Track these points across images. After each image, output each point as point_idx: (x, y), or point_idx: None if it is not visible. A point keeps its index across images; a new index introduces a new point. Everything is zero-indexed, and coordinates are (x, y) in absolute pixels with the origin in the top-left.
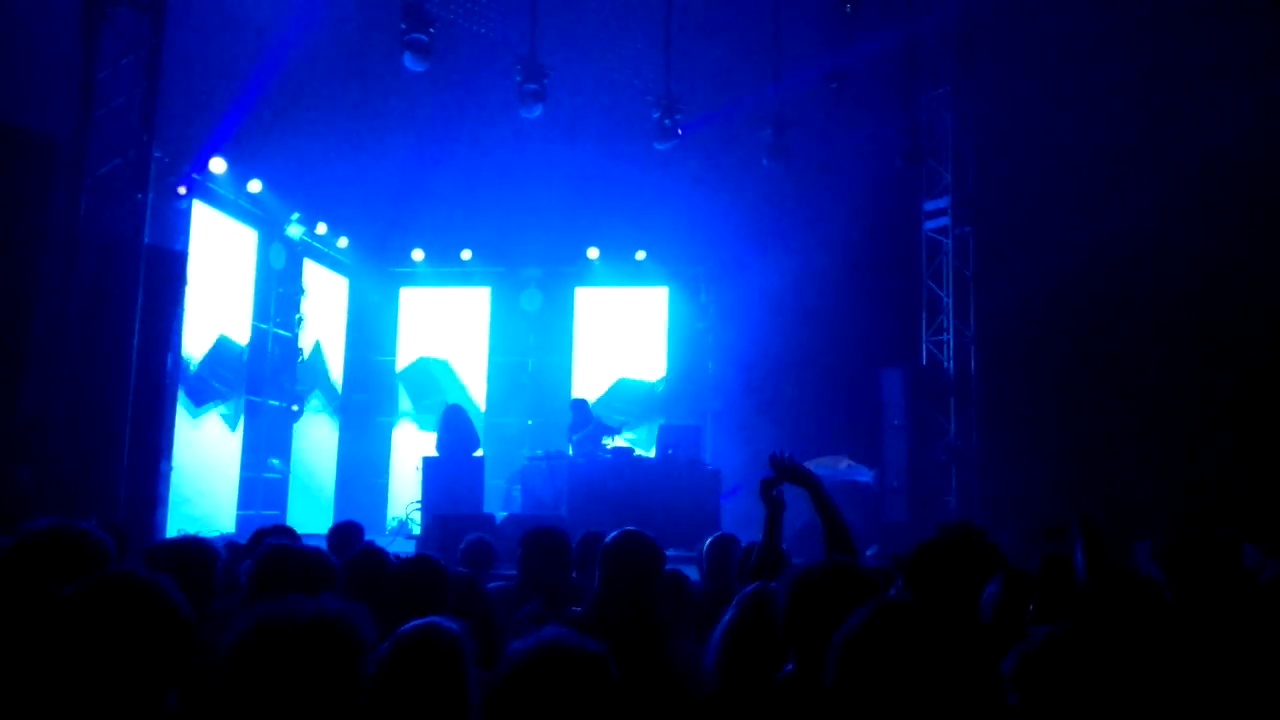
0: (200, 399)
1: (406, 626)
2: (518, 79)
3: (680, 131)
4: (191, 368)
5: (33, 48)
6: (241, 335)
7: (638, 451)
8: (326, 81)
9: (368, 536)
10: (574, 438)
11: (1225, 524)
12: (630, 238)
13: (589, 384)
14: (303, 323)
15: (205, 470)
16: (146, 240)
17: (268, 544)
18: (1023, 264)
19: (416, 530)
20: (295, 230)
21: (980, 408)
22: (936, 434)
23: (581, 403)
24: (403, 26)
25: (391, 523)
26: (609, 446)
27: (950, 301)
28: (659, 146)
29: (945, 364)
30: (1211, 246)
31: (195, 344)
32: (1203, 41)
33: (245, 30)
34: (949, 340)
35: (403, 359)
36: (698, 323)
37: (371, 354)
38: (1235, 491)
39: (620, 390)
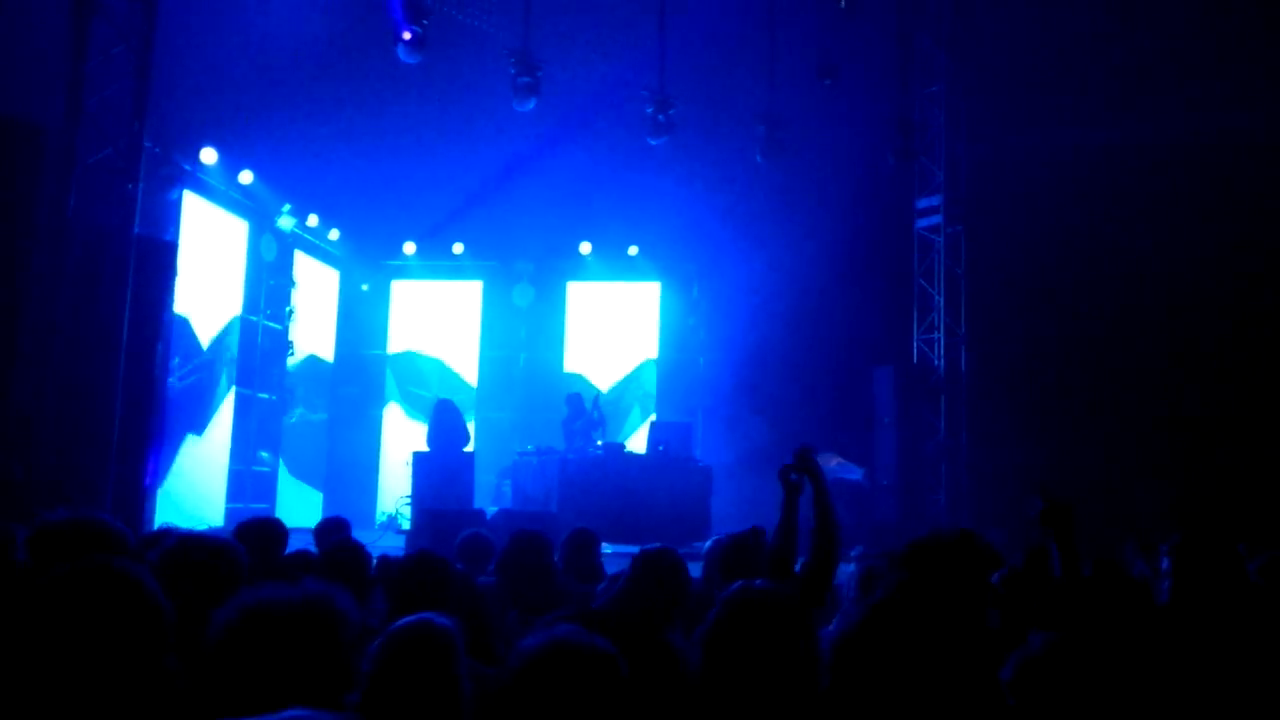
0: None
1: (399, 622)
2: (511, 73)
3: (673, 127)
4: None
5: (23, 36)
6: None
7: (629, 448)
8: (320, 73)
9: (357, 531)
10: (574, 426)
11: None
12: (622, 233)
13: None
14: (293, 315)
15: (194, 463)
16: (137, 230)
17: (174, 535)
18: (1014, 263)
19: (406, 525)
20: (286, 222)
21: (970, 406)
22: (927, 432)
23: (577, 396)
24: (397, 19)
25: (381, 517)
26: (599, 442)
27: (941, 300)
28: (652, 142)
29: (936, 362)
30: (1203, 245)
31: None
32: (1196, 40)
33: (238, 21)
34: (940, 339)
35: (393, 351)
36: (689, 318)
37: (362, 347)
38: (1225, 490)
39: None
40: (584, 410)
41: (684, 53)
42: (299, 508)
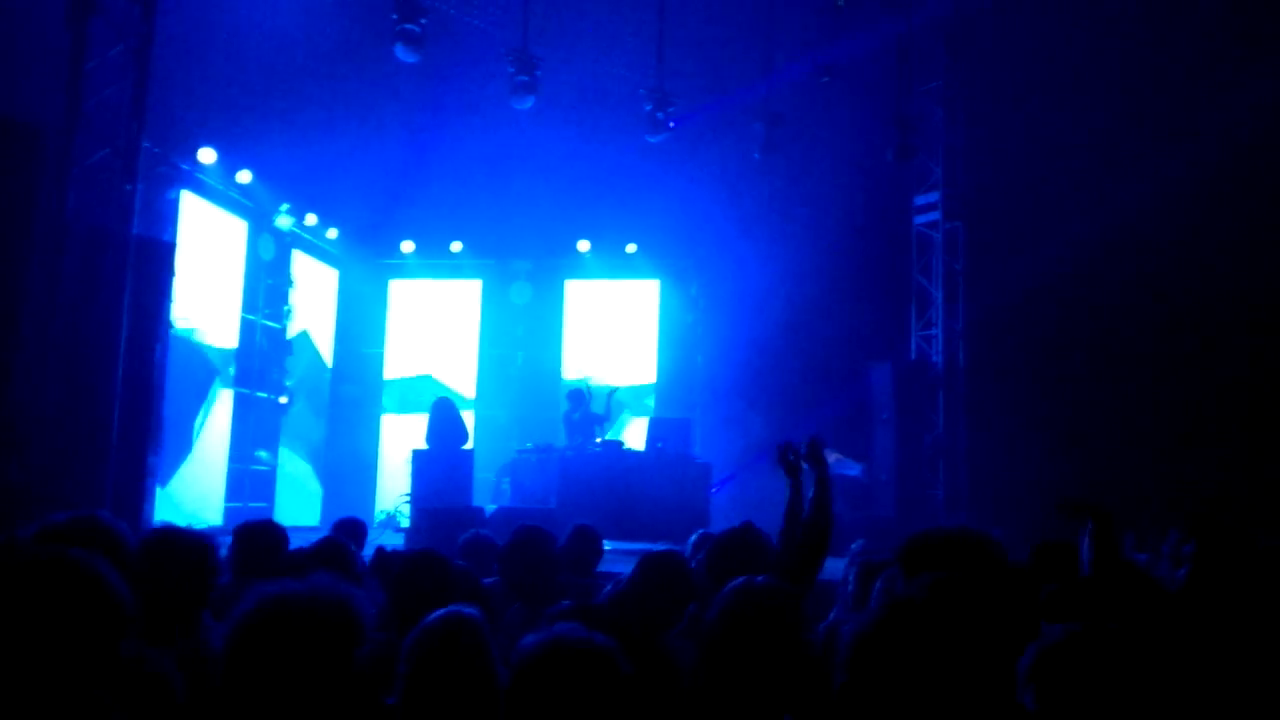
0: None
1: (432, 616)
2: (509, 70)
3: (672, 125)
4: None
5: (21, 37)
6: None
7: (627, 445)
8: (318, 72)
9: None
10: (574, 419)
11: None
12: (621, 231)
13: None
14: (291, 314)
15: (193, 463)
16: (135, 231)
17: (154, 529)
18: (1012, 259)
19: (405, 523)
20: (285, 221)
21: (969, 402)
22: (925, 428)
23: (578, 391)
24: (394, 17)
25: (380, 515)
26: (599, 439)
27: (940, 296)
28: (650, 139)
29: (934, 358)
30: (1202, 241)
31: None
32: (1195, 37)
33: (236, 20)
34: (938, 334)
35: (392, 351)
36: (688, 316)
37: (360, 346)
38: (1224, 484)
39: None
40: (585, 403)
41: (682, 50)
42: (298, 507)
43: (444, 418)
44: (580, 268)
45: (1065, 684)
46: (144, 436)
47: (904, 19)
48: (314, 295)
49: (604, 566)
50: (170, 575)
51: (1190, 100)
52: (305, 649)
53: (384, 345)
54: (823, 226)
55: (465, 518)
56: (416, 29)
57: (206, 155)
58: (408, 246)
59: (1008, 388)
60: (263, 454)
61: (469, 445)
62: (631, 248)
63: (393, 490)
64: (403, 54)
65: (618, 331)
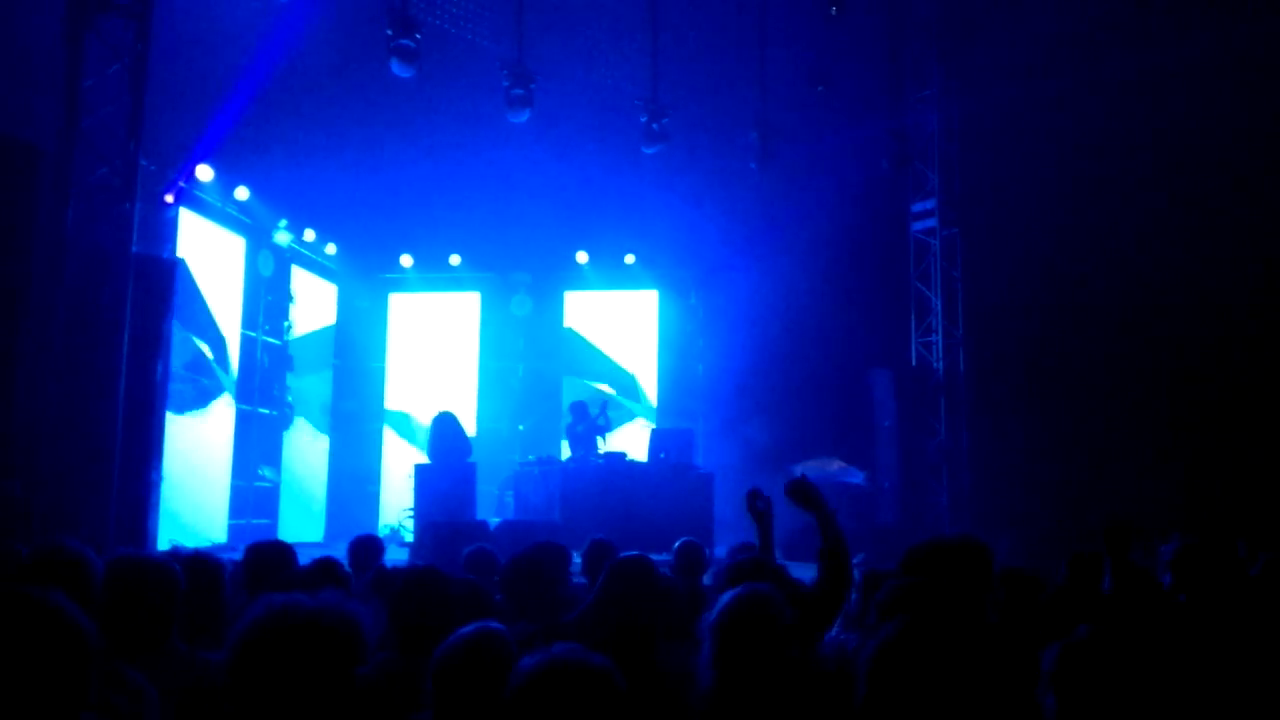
0: None
1: (460, 633)
2: (505, 84)
3: (667, 136)
4: None
5: (17, 57)
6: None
7: (630, 456)
8: (313, 88)
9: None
10: (577, 431)
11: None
12: (619, 241)
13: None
14: (291, 330)
15: (196, 479)
16: (134, 249)
17: (118, 553)
18: (1011, 265)
19: (409, 538)
20: (283, 237)
21: (970, 407)
22: (927, 435)
23: (581, 404)
24: (389, 33)
25: (384, 530)
26: (601, 450)
27: (939, 303)
28: (646, 150)
29: (935, 365)
30: (1199, 246)
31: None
32: (1189, 41)
33: (232, 37)
34: (938, 341)
35: (393, 366)
36: (687, 326)
37: (361, 360)
38: (1225, 489)
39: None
40: (588, 415)
41: (677, 61)
42: (301, 523)
43: (446, 432)
44: (579, 279)
45: (1085, 683)
46: (146, 453)
47: (898, 27)
48: (314, 310)
49: None
50: (136, 600)
51: (1188, 103)
52: (303, 660)
53: (385, 359)
54: (820, 235)
55: (469, 531)
56: (411, 44)
57: (204, 172)
58: (406, 260)
59: (1009, 393)
60: (265, 470)
61: (471, 458)
62: (630, 258)
63: (396, 505)
64: (398, 69)
65: (618, 341)
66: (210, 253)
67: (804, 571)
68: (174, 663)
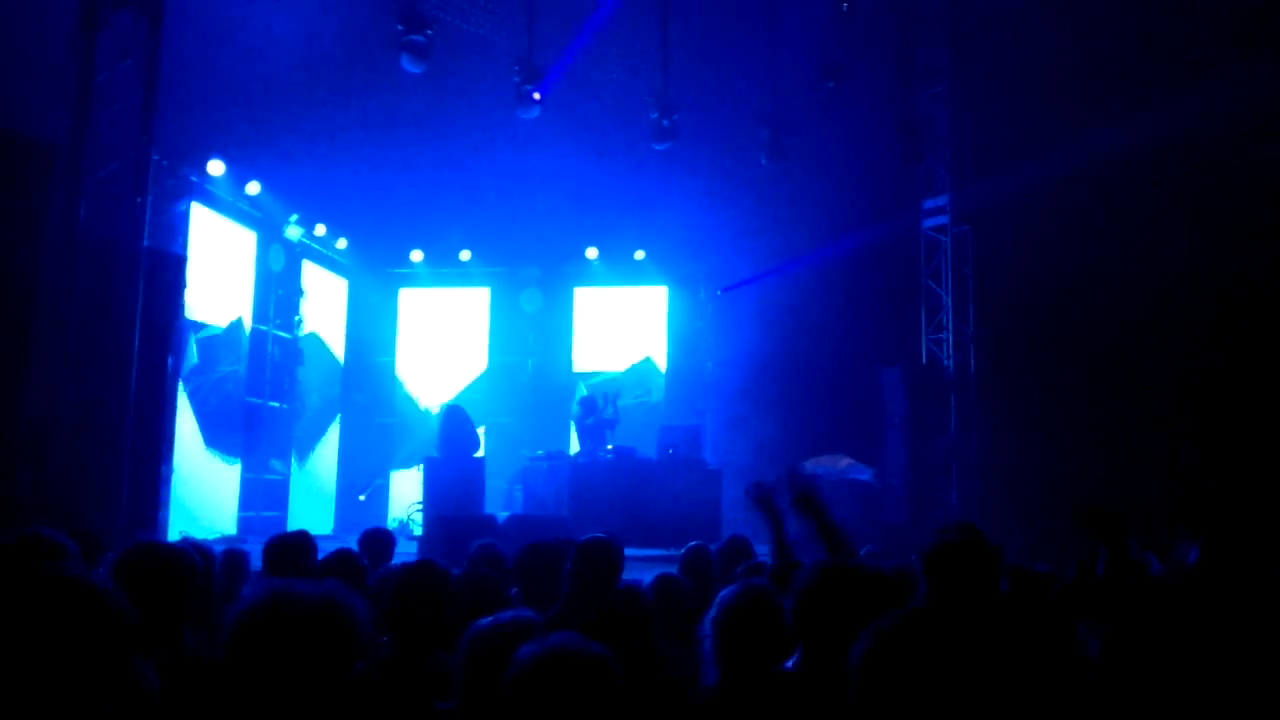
0: None
1: (491, 619)
2: (515, 80)
3: (677, 132)
4: None
5: (31, 53)
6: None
7: (639, 452)
8: (324, 82)
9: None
10: (586, 423)
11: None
12: (629, 237)
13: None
14: (302, 324)
15: (207, 472)
16: (146, 243)
17: (134, 540)
18: (1022, 261)
19: (418, 531)
20: (294, 232)
21: (980, 406)
22: (937, 432)
23: (590, 399)
24: (400, 28)
25: (393, 523)
26: (610, 446)
27: (949, 300)
28: (657, 147)
29: (945, 362)
30: (1210, 243)
31: None
32: (1200, 37)
33: (243, 32)
34: (949, 338)
35: (403, 359)
36: (697, 322)
37: (371, 355)
38: (1236, 486)
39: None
40: (597, 409)
41: (687, 57)
42: (311, 515)
43: (455, 425)
44: (589, 275)
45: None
46: (157, 446)
47: (908, 22)
48: (324, 305)
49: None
50: (147, 588)
51: (1199, 99)
52: (297, 645)
53: (395, 353)
54: (831, 231)
55: (477, 526)
56: (422, 39)
57: (215, 167)
58: (417, 255)
59: (1020, 390)
60: (275, 463)
61: (480, 453)
62: (640, 254)
63: (405, 498)
64: (409, 64)
65: (627, 337)
66: (222, 247)
67: None
68: (184, 657)
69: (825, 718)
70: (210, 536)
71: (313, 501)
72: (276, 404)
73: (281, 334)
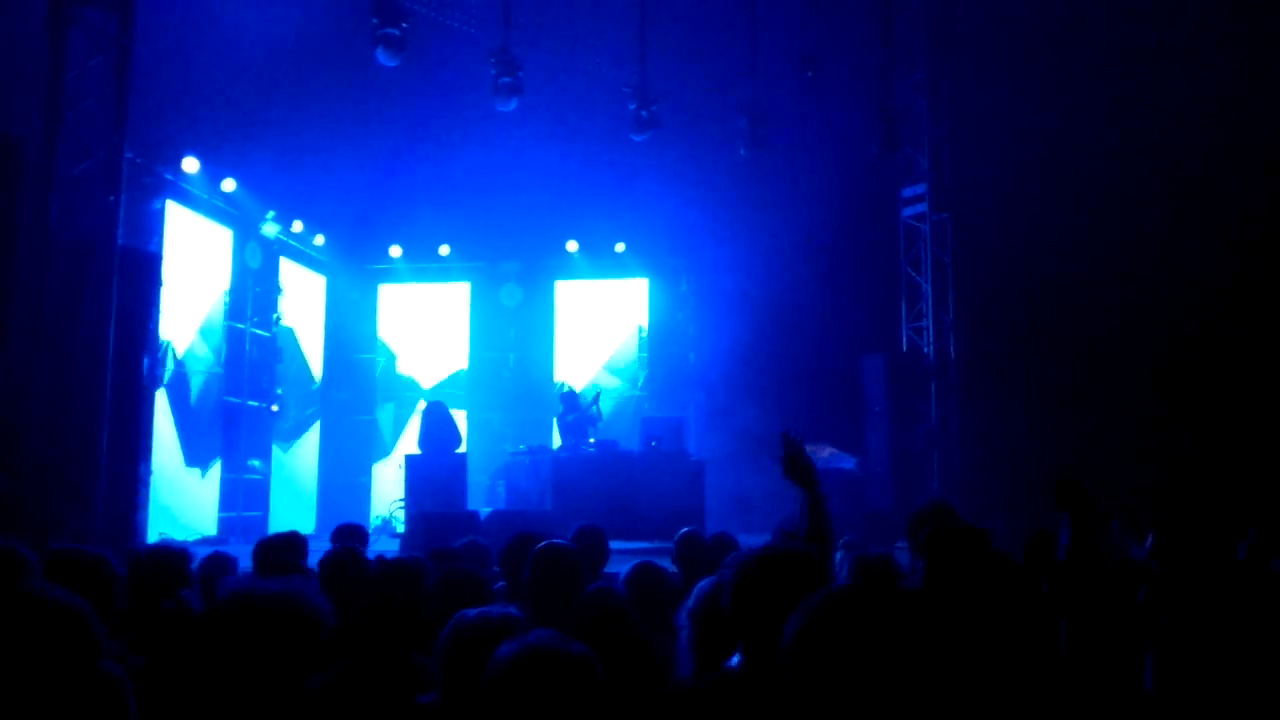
0: None
1: (473, 613)
2: (492, 72)
3: (656, 123)
4: None
5: (1, 50)
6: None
7: (621, 444)
8: (299, 78)
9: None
10: (567, 420)
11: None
12: (609, 230)
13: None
14: (280, 321)
15: (186, 473)
16: (120, 241)
17: (51, 549)
18: (1001, 249)
19: (400, 528)
20: (271, 229)
21: (961, 392)
22: (918, 420)
23: (571, 394)
24: (374, 21)
25: (375, 521)
26: (592, 440)
27: (929, 288)
28: (635, 138)
29: (925, 350)
30: (1188, 231)
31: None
32: (1179, 25)
33: (216, 28)
34: (929, 326)
35: (382, 356)
36: (678, 313)
37: (351, 352)
38: (1212, 472)
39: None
40: (578, 405)
41: (665, 47)
42: (292, 514)
43: (436, 421)
44: (569, 268)
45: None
46: (134, 447)
47: (887, 10)
48: (303, 302)
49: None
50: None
51: (1178, 87)
52: (256, 638)
53: (375, 350)
54: (811, 220)
55: (460, 522)
56: (397, 33)
57: (190, 164)
58: (395, 251)
59: (1000, 377)
60: (255, 462)
61: (462, 449)
62: (620, 247)
63: (387, 495)
64: (384, 58)
65: (608, 330)
66: (197, 245)
67: None
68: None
69: (768, 711)
70: (191, 538)
71: (294, 501)
72: (255, 403)
73: (259, 332)
